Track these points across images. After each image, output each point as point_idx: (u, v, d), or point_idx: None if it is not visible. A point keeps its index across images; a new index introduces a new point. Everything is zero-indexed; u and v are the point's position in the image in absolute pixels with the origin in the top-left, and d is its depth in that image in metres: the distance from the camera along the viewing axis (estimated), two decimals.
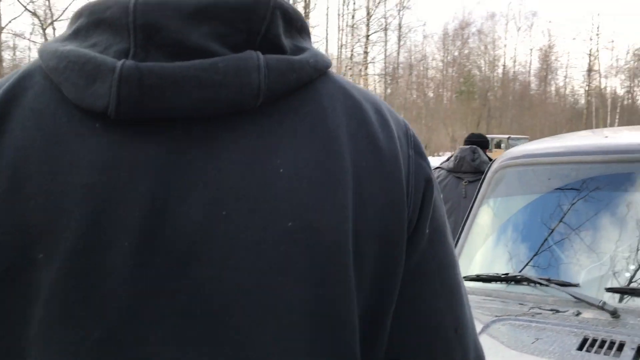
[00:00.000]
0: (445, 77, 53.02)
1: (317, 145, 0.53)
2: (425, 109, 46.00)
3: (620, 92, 59.46)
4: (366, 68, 31.10)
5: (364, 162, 0.55)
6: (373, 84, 42.92)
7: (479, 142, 4.51)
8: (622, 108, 54.79)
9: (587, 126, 55.28)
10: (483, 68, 55.30)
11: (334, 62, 41.09)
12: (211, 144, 0.51)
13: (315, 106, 0.55)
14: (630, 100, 62.06)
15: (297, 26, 0.56)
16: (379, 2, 31.95)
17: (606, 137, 1.89)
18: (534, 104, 57.47)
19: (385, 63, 41.39)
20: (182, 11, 0.49)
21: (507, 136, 18.40)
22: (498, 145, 17.34)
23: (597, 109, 55.12)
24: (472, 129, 47.74)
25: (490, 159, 4.32)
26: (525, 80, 60.57)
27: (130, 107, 0.48)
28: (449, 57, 53.18)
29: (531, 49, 58.69)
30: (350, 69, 28.85)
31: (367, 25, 29.13)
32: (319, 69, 0.55)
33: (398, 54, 41.83)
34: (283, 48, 0.53)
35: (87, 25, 0.53)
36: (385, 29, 37.52)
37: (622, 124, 53.56)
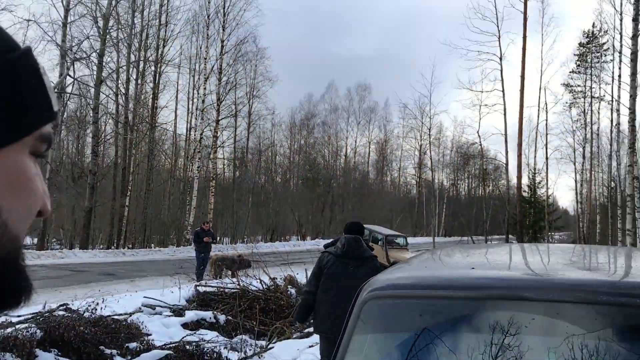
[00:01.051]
0: (292, 163, 54.80)
1: None
2: (273, 193, 46.77)
3: (447, 184, 65.95)
4: (215, 151, 30.98)
5: None
6: (222, 167, 42.84)
7: (359, 231, 5.30)
8: (448, 198, 60.36)
9: (419, 214, 60.00)
10: (327, 157, 58.20)
11: (183, 144, 40.30)
12: None
13: None
14: (454, 193, 69.16)
15: None
16: (229, 90, 32.55)
17: (473, 268, 1.84)
18: (372, 193, 61.28)
19: (234, 147, 41.74)
20: None
21: (385, 232, 19.26)
22: (375, 241, 17.94)
23: (428, 199, 60.34)
24: (317, 215, 49.32)
25: (370, 247, 5.39)
26: (365, 170, 64.73)
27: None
28: (295, 145, 55.37)
29: (369, 142, 63.06)
30: (199, 152, 28.50)
31: (218, 110, 29.32)
32: None
33: (247, 139, 42.42)
34: None
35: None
36: (235, 115, 38.15)
37: (448, 213, 58.94)
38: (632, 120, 16.05)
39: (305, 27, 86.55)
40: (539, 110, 23.65)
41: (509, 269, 2.00)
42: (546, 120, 23.90)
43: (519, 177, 20.65)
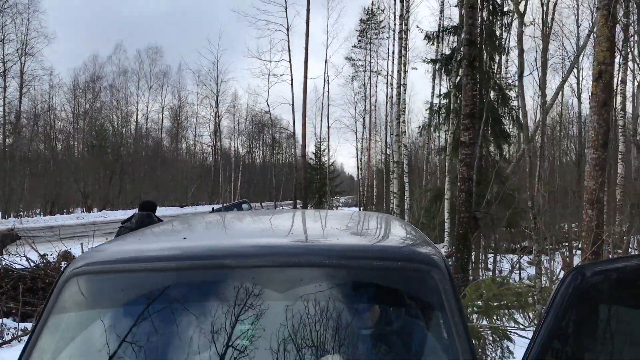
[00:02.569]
0: (76, 129, 50.37)
1: None
2: (53, 162, 42.59)
3: (242, 151, 66.69)
4: None
5: None
6: None
7: (151, 208, 6.20)
8: (243, 166, 61.18)
9: (215, 182, 59.91)
10: (116, 123, 54.67)
11: None
12: None
13: None
14: (250, 160, 70.33)
15: None
16: None
17: (184, 238, 1.84)
18: (167, 161, 59.43)
19: (4, 111, 36.93)
20: None
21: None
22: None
23: (224, 167, 60.52)
24: (104, 185, 46.29)
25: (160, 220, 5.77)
26: (158, 138, 62.31)
27: None
28: (80, 109, 50.89)
29: (162, 108, 60.74)
30: None
31: None
32: None
33: (20, 102, 37.73)
34: None
35: None
36: (4, 74, 33.69)
37: (243, 180, 59.82)
38: (399, 93, 17.93)
39: None
40: (324, 82, 25.16)
41: (224, 238, 2.05)
42: (328, 91, 25.48)
43: (304, 145, 21.85)
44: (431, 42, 16.97)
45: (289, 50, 22.88)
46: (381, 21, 35.57)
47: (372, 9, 35.78)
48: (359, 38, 37.23)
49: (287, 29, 23.09)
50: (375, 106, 35.79)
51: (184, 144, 67.80)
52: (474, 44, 8.96)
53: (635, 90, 18.99)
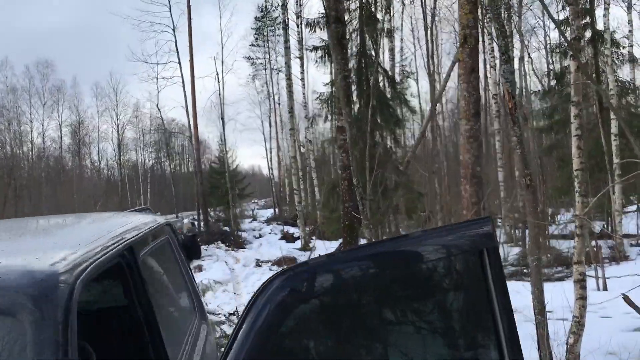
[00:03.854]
0: None
1: None
2: None
3: (149, 163, 63.85)
4: None
5: None
6: None
7: None
8: (152, 178, 58.71)
9: (123, 196, 57.02)
10: (9, 144, 50.70)
11: None
12: None
13: None
14: (159, 170, 67.56)
15: None
16: None
17: None
18: (69, 179, 55.89)
19: None
20: None
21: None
22: None
23: (131, 180, 57.71)
24: None
25: None
26: (59, 156, 58.54)
27: None
28: None
29: (60, 124, 57.11)
30: None
31: None
32: None
33: None
34: None
35: None
36: None
37: (153, 192, 57.37)
38: (289, 86, 17.23)
39: None
40: (218, 82, 23.90)
41: None
42: (222, 90, 24.04)
43: (197, 149, 20.66)
44: (312, 30, 16.40)
45: (177, 51, 21.59)
46: (276, 17, 34.88)
47: (265, 6, 34.97)
48: (256, 36, 36.36)
49: (174, 29, 21.81)
50: (279, 104, 35.08)
51: (87, 161, 64.27)
52: (340, 21, 8.34)
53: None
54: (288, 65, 17.42)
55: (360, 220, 8.75)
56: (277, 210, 36.74)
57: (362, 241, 10.48)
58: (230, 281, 12.33)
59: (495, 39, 13.93)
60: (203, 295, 10.80)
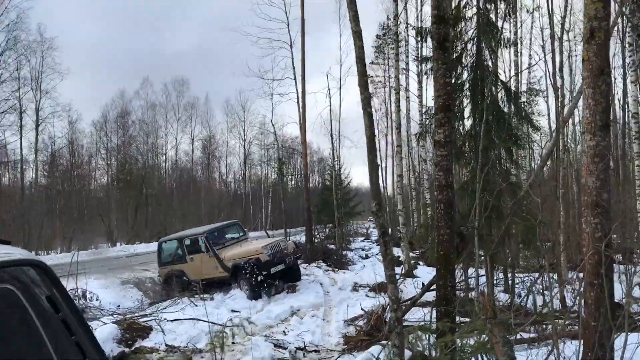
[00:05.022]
0: (101, 165, 50.64)
1: None
2: (80, 198, 42.52)
3: (273, 177, 65.65)
4: None
5: None
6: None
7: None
8: (274, 192, 60.16)
9: (246, 209, 58.98)
10: (146, 156, 54.60)
11: None
12: None
13: None
14: (282, 185, 69.18)
15: None
16: (1, 82, 28.42)
17: None
18: (198, 191, 58.91)
19: (20, 148, 36.83)
20: None
21: (201, 230, 14.41)
22: (196, 250, 13.85)
23: (254, 194, 59.63)
24: (131, 218, 45.81)
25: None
26: (189, 168, 62.04)
27: None
28: (109, 145, 51.10)
29: (192, 139, 60.54)
30: None
31: None
32: None
33: (36, 139, 37.12)
34: None
35: None
36: (21, 113, 33.66)
37: (275, 206, 58.64)
38: (397, 100, 16.21)
39: (114, 22, 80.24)
40: (329, 97, 23.57)
41: None
42: (332, 105, 23.49)
43: (305, 164, 20.21)
44: (423, 39, 15.29)
45: (293, 67, 21.53)
46: (398, 34, 34.05)
47: (387, 24, 34.30)
48: (376, 54, 35.78)
49: (291, 46, 21.81)
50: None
51: (216, 174, 67.50)
52: (443, 20, 7.27)
53: None
54: (397, 78, 16.50)
55: (458, 249, 7.55)
56: (390, 230, 35.66)
57: (458, 274, 9.22)
58: (322, 305, 11.50)
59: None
60: (288, 320, 10.07)
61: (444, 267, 7.16)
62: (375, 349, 6.09)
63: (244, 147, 60.35)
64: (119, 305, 12.10)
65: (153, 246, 25.64)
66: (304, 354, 7.12)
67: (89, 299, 11.61)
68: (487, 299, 5.38)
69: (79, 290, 11.24)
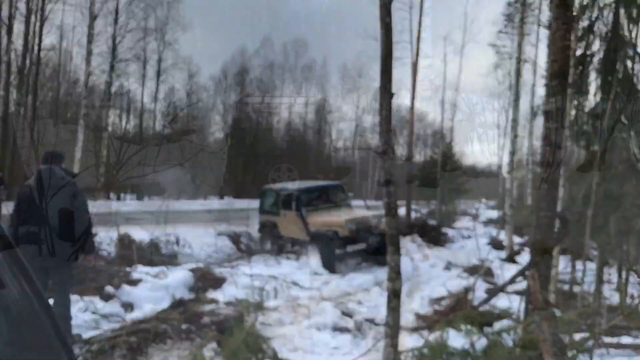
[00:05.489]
0: (226, 123, 52.66)
1: None
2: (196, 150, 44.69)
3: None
4: None
5: None
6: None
7: (53, 159, 5.25)
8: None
9: (351, 177, 58.99)
10: (261, 114, 55.96)
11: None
12: None
13: None
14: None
15: None
16: (128, 31, 29.98)
17: None
18: (308, 153, 59.75)
19: (142, 97, 39.00)
20: None
21: (294, 186, 13.82)
22: (287, 206, 13.32)
23: (363, 162, 59.54)
24: (240, 175, 47.53)
25: (73, 175, 5.57)
26: (301, 130, 62.88)
27: None
28: (228, 101, 53.02)
29: (307, 101, 61.12)
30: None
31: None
32: None
33: (157, 90, 39.18)
34: None
35: None
36: (145, 62, 35.49)
37: (379, 176, 58.09)
38: (518, 70, 14.87)
39: None
40: (444, 64, 22.31)
41: None
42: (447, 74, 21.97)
43: (410, 133, 19.42)
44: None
45: (411, 30, 20.66)
46: (531, 3, 31.53)
47: None
48: (505, 22, 33.47)
49: (410, 8, 20.91)
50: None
51: (327, 139, 67.92)
52: None
53: None
54: (519, 45, 15.25)
55: (558, 236, 6.71)
56: (502, 212, 33.91)
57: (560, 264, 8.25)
58: (408, 280, 10.96)
59: None
60: (368, 290, 9.67)
61: (539, 255, 6.38)
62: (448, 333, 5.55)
63: (356, 114, 59.97)
64: (209, 255, 12.40)
65: (257, 204, 26.11)
66: (370, 326, 6.71)
67: (181, 245, 12.00)
68: (535, 285, 4.63)
69: (172, 236, 11.64)
